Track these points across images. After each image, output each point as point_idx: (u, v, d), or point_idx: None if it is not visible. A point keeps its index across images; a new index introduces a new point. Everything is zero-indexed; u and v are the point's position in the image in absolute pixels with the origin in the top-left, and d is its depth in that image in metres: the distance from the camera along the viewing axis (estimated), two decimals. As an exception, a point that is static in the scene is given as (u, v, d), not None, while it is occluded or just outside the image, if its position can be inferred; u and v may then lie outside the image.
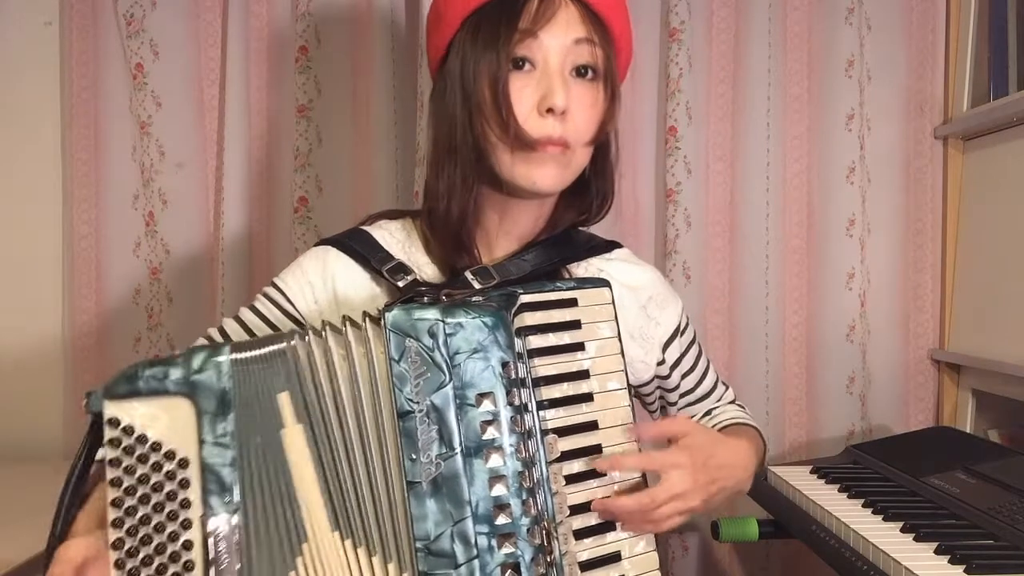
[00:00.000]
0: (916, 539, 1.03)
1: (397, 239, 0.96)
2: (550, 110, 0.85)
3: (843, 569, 1.05)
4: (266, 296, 0.95)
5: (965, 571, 0.93)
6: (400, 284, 0.88)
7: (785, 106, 1.63)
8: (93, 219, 1.59)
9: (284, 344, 0.75)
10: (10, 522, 1.22)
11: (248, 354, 0.74)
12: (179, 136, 1.58)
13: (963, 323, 1.63)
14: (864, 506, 1.17)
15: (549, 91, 0.85)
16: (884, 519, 1.10)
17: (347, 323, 0.76)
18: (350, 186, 1.58)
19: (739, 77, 1.62)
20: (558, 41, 0.85)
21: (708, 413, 1.10)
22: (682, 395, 1.06)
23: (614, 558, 0.79)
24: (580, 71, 0.87)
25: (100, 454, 0.74)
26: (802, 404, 1.66)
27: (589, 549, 0.78)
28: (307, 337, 0.76)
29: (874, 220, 1.65)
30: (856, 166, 1.63)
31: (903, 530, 1.06)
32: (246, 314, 0.94)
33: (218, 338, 0.93)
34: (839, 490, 1.25)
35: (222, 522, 0.71)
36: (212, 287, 1.56)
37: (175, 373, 0.72)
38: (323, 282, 0.92)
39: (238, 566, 0.71)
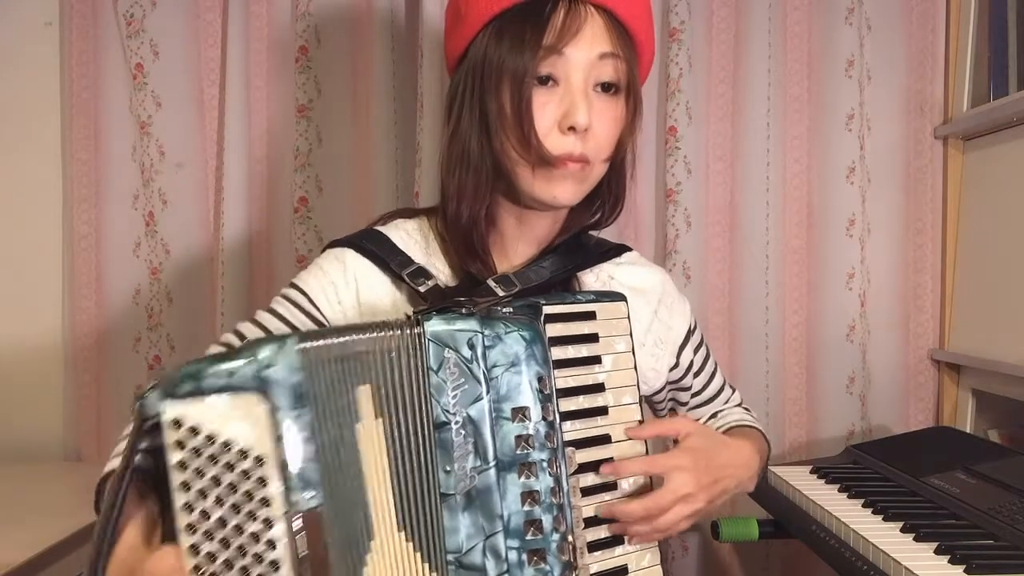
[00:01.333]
0: (916, 539, 1.03)
1: (415, 240, 0.94)
2: (572, 128, 0.84)
3: (843, 569, 1.05)
4: (286, 298, 0.91)
5: (965, 571, 0.93)
6: (421, 289, 0.87)
7: (785, 106, 1.63)
8: (93, 219, 1.58)
9: (364, 335, 0.72)
10: (10, 522, 1.22)
11: (317, 344, 0.71)
12: (179, 136, 1.58)
13: (963, 323, 1.63)
14: (864, 506, 1.17)
15: (572, 108, 0.83)
16: (884, 519, 1.10)
17: (384, 328, 0.74)
18: (350, 186, 1.58)
19: (739, 77, 1.62)
20: (583, 56, 0.84)
21: (714, 416, 1.10)
22: (693, 395, 1.07)
23: (622, 571, 0.80)
24: (603, 86, 0.86)
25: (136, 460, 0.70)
26: (802, 404, 1.66)
27: (599, 562, 0.78)
28: (382, 332, 0.73)
29: (874, 220, 1.65)
30: (856, 166, 1.63)
31: (903, 530, 1.06)
32: (265, 317, 0.90)
33: (236, 342, 0.89)
34: (839, 490, 1.25)
35: (309, 517, 0.68)
36: (212, 287, 1.56)
37: (243, 368, 0.68)
38: (345, 283, 0.90)
39: (327, 560, 0.68)
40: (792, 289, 1.65)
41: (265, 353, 0.69)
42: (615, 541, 0.80)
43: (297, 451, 0.68)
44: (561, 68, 0.84)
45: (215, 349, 0.89)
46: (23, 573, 1.08)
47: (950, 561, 0.95)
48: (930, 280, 1.67)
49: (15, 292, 1.62)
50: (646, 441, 0.83)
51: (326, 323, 0.89)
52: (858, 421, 1.65)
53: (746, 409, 1.13)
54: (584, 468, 0.79)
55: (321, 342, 0.71)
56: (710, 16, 1.62)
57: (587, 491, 0.79)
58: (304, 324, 0.89)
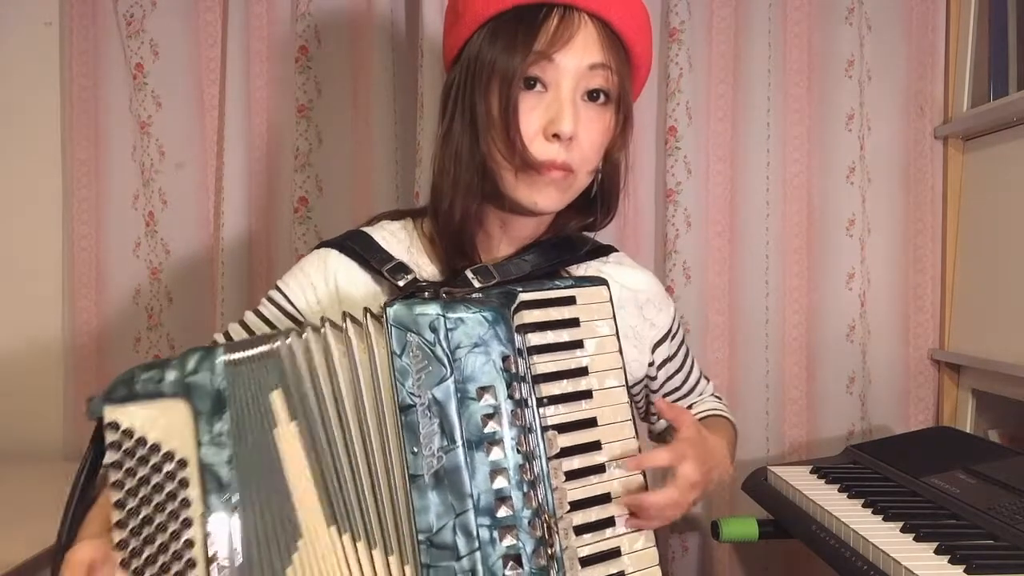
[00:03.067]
0: (916, 539, 1.03)
1: (399, 239, 0.96)
2: (556, 135, 0.84)
3: (843, 569, 1.04)
4: (268, 299, 0.95)
5: (965, 571, 0.93)
6: (400, 283, 0.89)
7: (785, 106, 1.63)
8: (93, 219, 1.59)
9: (277, 343, 0.77)
10: (10, 522, 1.22)
11: (241, 354, 0.76)
12: (179, 136, 1.58)
13: (963, 323, 1.63)
14: (864, 506, 1.17)
15: (558, 116, 0.84)
16: (884, 519, 1.10)
17: (348, 319, 0.77)
18: (350, 186, 1.58)
19: (739, 77, 1.62)
20: (574, 64, 0.84)
21: (689, 408, 1.12)
22: (666, 393, 1.08)
23: (614, 554, 0.80)
24: (592, 95, 0.86)
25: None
26: (802, 404, 1.66)
27: (589, 545, 0.79)
28: (304, 334, 0.77)
29: (874, 220, 1.65)
30: (856, 166, 1.63)
31: (903, 530, 1.06)
32: (249, 317, 0.94)
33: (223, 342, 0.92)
34: (839, 490, 1.25)
35: (221, 519, 0.72)
36: (212, 287, 1.56)
37: (170, 375, 0.74)
38: (325, 283, 0.92)
39: (239, 563, 0.72)
40: (792, 289, 1.65)
41: (192, 361, 0.75)
42: (606, 524, 0.80)
43: (216, 455, 0.73)
44: (551, 74, 0.84)
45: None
46: (23, 573, 1.08)
47: (950, 561, 0.95)
48: (930, 280, 1.67)
49: (15, 292, 1.62)
50: (635, 427, 0.85)
51: (303, 319, 0.92)
52: (858, 421, 1.65)
53: (718, 398, 1.16)
54: (570, 452, 0.79)
55: (244, 353, 0.76)
56: (710, 16, 1.62)
57: (574, 474, 0.79)
58: (281, 321, 0.93)
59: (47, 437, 1.61)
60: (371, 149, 1.55)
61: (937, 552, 0.98)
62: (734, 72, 1.62)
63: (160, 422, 0.73)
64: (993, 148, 1.56)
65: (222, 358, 0.75)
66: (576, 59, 0.84)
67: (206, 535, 0.72)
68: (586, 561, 0.78)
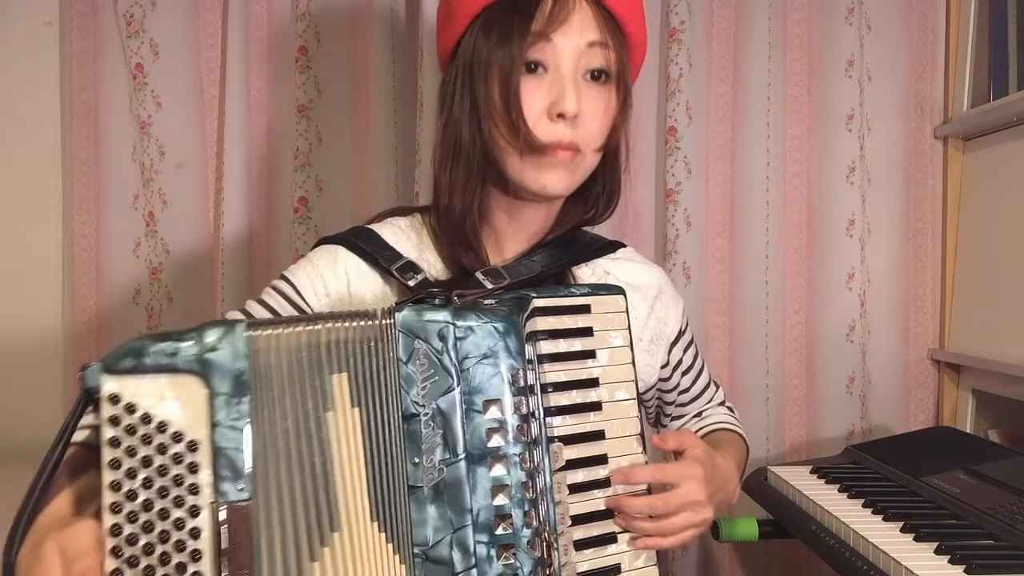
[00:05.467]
0: (916, 539, 1.03)
1: (408, 235, 0.95)
2: (561, 115, 0.83)
3: (843, 569, 1.04)
4: (275, 288, 0.92)
5: (965, 571, 0.93)
6: (410, 283, 0.87)
7: (785, 106, 1.63)
8: (93, 219, 1.58)
9: (336, 324, 0.72)
10: (10, 522, 1.22)
11: (268, 332, 0.70)
12: (179, 136, 1.58)
13: (963, 323, 1.63)
14: (864, 506, 1.17)
15: (560, 96, 0.83)
16: (884, 519, 1.10)
17: (358, 318, 0.74)
18: (350, 186, 1.58)
19: (739, 77, 1.62)
20: (571, 43, 0.84)
21: (699, 415, 1.10)
22: (680, 393, 1.07)
23: (614, 570, 0.79)
24: (593, 75, 0.86)
25: (80, 436, 0.71)
26: (802, 404, 1.66)
27: (589, 560, 0.78)
28: (357, 321, 0.72)
29: (874, 220, 1.65)
30: (856, 166, 1.63)
31: (903, 530, 1.06)
32: (253, 306, 0.92)
33: None
34: (839, 490, 1.25)
35: (235, 510, 0.67)
36: (212, 287, 1.56)
37: (187, 350, 0.67)
38: (335, 277, 0.90)
39: (252, 555, 0.67)
40: (792, 289, 1.65)
41: (211, 337, 0.68)
42: (607, 540, 0.79)
43: (234, 440, 0.68)
44: (550, 55, 0.84)
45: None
46: (23, 573, 1.07)
47: (950, 561, 0.95)
48: (930, 280, 1.67)
49: (15, 292, 1.62)
50: (644, 444, 0.83)
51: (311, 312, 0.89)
52: (858, 421, 1.65)
53: (729, 409, 1.13)
54: (575, 464, 0.78)
55: (273, 330, 0.70)
56: (710, 16, 1.62)
57: (578, 488, 0.78)
58: (289, 313, 0.89)
59: (47, 437, 1.60)
60: (371, 149, 1.55)
61: (937, 552, 0.98)
62: (734, 72, 1.62)
63: (169, 399, 0.67)
64: (993, 148, 1.56)
65: (245, 335, 0.69)
66: (574, 38, 0.84)
67: (218, 525, 0.66)
68: None
